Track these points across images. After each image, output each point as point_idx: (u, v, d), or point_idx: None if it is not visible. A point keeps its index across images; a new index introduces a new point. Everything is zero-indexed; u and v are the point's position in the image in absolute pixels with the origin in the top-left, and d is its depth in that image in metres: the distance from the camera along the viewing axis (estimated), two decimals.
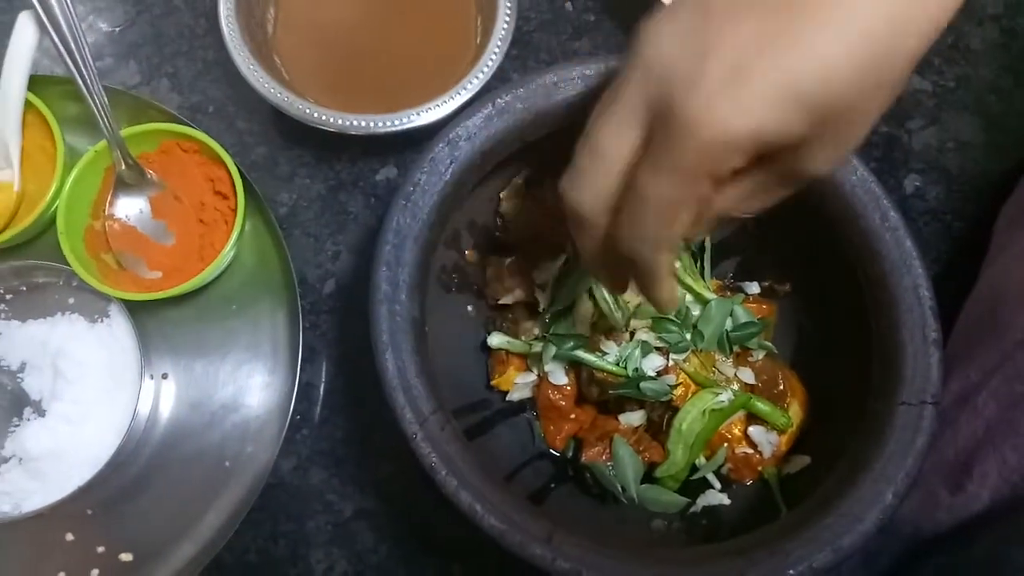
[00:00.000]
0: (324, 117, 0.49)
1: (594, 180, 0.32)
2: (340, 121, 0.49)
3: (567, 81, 0.42)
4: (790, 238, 0.48)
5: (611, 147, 0.31)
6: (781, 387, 0.47)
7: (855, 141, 0.31)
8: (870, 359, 0.43)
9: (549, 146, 0.45)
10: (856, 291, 0.44)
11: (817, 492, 0.41)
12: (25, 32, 0.46)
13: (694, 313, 0.47)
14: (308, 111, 0.49)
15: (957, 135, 0.57)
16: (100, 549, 0.48)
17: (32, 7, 0.45)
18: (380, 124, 0.49)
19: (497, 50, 0.50)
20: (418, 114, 0.49)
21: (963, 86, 0.58)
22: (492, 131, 0.43)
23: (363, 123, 0.49)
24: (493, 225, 0.50)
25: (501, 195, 0.50)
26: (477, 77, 0.50)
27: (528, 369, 0.49)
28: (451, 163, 0.42)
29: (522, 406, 0.49)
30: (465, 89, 0.49)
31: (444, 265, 0.49)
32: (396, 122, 0.49)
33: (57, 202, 0.48)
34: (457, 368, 0.48)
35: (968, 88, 0.58)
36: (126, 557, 0.48)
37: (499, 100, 0.43)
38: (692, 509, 0.46)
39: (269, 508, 0.50)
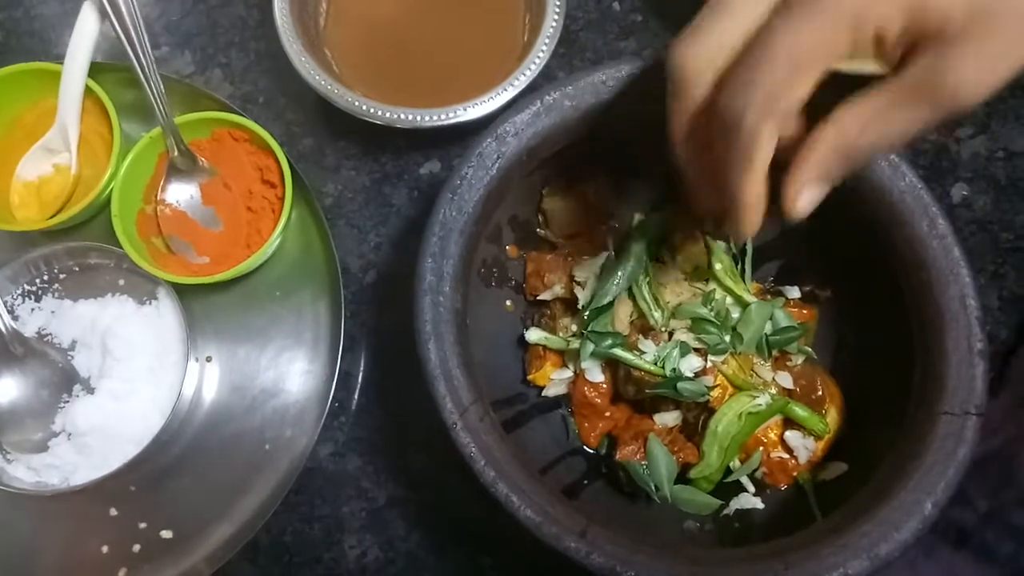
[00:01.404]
0: (371, 110, 0.50)
1: (713, 34, 0.29)
2: (387, 114, 0.50)
3: (616, 80, 0.43)
4: (833, 243, 0.47)
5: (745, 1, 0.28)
6: (819, 392, 0.47)
7: (1011, 57, 0.27)
8: (912, 367, 0.42)
9: (595, 144, 0.45)
10: (899, 298, 0.43)
11: (854, 499, 0.41)
12: (88, 20, 0.48)
13: (734, 315, 0.47)
14: (356, 103, 0.50)
15: (1007, 144, 0.56)
16: (142, 525, 0.49)
17: None
18: (426, 118, 0.50)
19: (544, 48, 0.51)
20: (464, 109, 0.49)
21: (1017, 95, 0.57)
22: (539, 128, 0.43)
23: (409, 117, 0.50)
24: (535, 221, 0.51)
25: (544, 191, 0.50)
26: (524, 74, 0.50)
27: (565, 365, 0.49)
28: (498, 158, 0.43)
29: (557, 402, 0.49)
30: (511, 86, 0.50)
31: (485, 259, 0.49)
32: (442, 116, 0.50)
33: (112, 186, 0.49)
34: (494, 362, 0.48)
35: (1022, 97, 0.57)
36: (166, 534, 0.49)
37: (547, 97, 0.43)
38: (725, 511, 0.46)
39: (306, 492, 0.51)
